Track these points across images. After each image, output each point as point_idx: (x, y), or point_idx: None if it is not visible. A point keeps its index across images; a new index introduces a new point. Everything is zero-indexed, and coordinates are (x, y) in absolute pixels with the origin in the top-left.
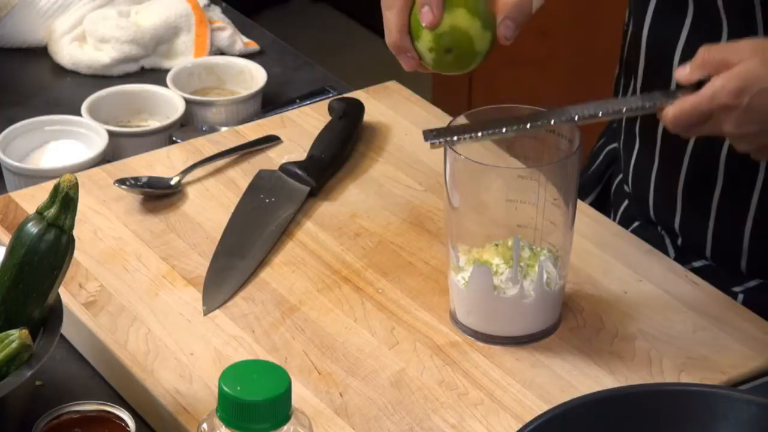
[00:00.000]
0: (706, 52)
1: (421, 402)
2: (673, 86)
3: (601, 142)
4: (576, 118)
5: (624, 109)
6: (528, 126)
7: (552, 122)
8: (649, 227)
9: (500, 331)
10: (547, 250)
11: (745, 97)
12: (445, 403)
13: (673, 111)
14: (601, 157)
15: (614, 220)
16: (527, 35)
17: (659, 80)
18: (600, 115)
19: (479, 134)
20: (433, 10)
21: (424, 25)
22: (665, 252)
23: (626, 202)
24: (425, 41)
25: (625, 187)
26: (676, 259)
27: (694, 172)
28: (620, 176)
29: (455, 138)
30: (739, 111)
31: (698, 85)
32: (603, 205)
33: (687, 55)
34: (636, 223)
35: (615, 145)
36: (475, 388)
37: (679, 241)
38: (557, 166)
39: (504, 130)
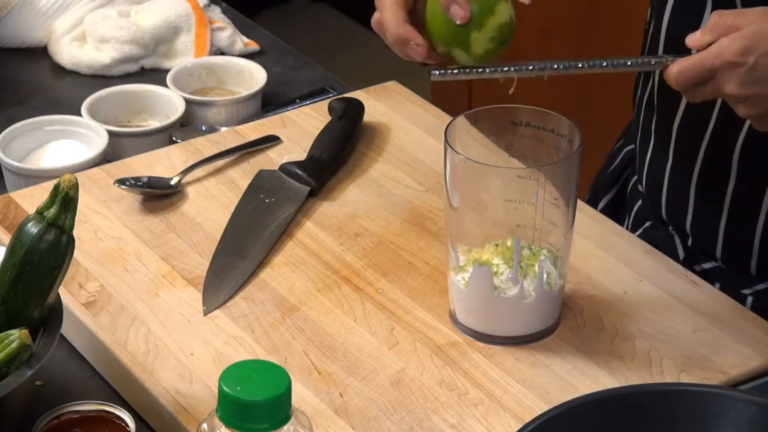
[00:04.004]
0: (716, 17)
1: (421, 402)
2: None
3: (620, 143)
4: (581, 66)
5: (629, 63)
6: (530, 68)
7: (555, 68)
8: (660, 227)
9: (500, 331)
10: (546, 250)
11: (751, 56)
12: (445, 403)
13: (677, 66)
14: (620, 158)
15: (628, 220)
16: (527, 35)
17: None
18: (605, 65)
19: (480, 70)
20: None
21: (458, 22)
22: (675, 253)
23: (640, 202)
24: (486, 33)
25: (640, 187)
26: (685, 260)
27: (708, 170)
28: (636, 177)
29: (456, 71)
30: (743, 70)
31: None
32: (619, 206)
33: None
34: (648, 223)
35: (633, 146)
36: (475, 388)
37: (690, 242)
38: (557, 166)
39: (506, 69)
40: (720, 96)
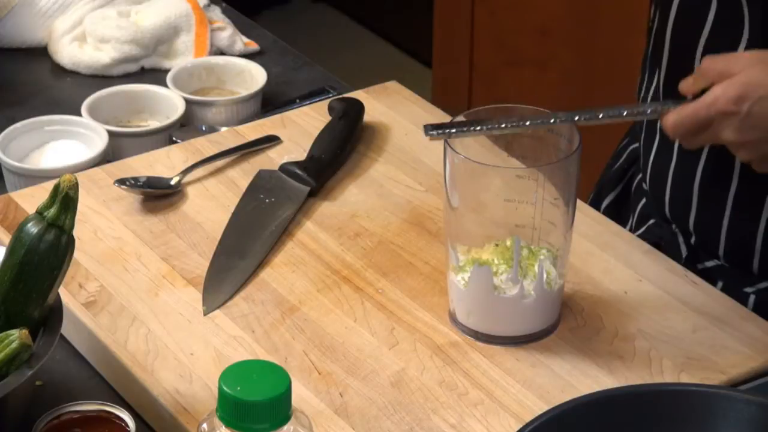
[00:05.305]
0: (708, 62)
1: (421, 402)
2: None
3: (624, 141)
4: (576, 119)
5: (625, 113)
6: (527, 123)
7: (552, 122)
8: (664, 225)
9: (500, 331)
10: (546, 250)
11: (745, 104)
12: (445, 403)
13: (673, 118)
14: (624, 156)
15: (632, 218)
16: (527, 35)
17: (682, 75)
18: (600, 117)
19: (478, 128)
20: None
21: None
22: (678, 251)
23: (644, 200)
24: None
25: (644, 185)
26: (688, 258)
27: (712, 169)
28: (640, 175)
29: (454, 131)
30: (739, 118)
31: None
32: (623, 204)
33: (709, 50)
34: (651, 221)
35: (637, 144)
36: (475, 388)
37: (693, 240)
38: (557, 166)
39: (503, 125)
40: (719, 142)
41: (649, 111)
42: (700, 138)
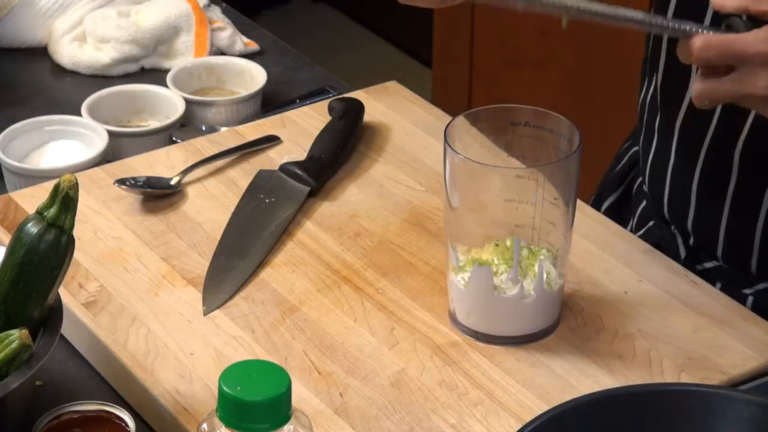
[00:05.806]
0: None
1: (421, 402)
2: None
3: (627, 144)
4: (594, 11)
5: (652, 22)
6: (551, 3)
7: (578, 8)
8: (663, 227)
9: (500, 331)
10: (546, 250)
11: None
12: (445, 403)
13: (703, 38)
14: (626, 158)
15: (632, 221)
16: (527, 35)
17: (679, 79)
18: (621, 18)
19: None
20: None
21: None
22: (677, 252)
23: (644, 203)
24: None
25: (644, 187)
26: (686, 259)
27: (709, 170)
28: (641, 178)
29: None
30: None
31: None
32: (624, 206)
33: None
34: (651, 223)
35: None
36: (475, 388)
37: (691, 241)
38: (556, 166)
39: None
40: (740, 96)
41: (678, 27)
42: (721, 88)
